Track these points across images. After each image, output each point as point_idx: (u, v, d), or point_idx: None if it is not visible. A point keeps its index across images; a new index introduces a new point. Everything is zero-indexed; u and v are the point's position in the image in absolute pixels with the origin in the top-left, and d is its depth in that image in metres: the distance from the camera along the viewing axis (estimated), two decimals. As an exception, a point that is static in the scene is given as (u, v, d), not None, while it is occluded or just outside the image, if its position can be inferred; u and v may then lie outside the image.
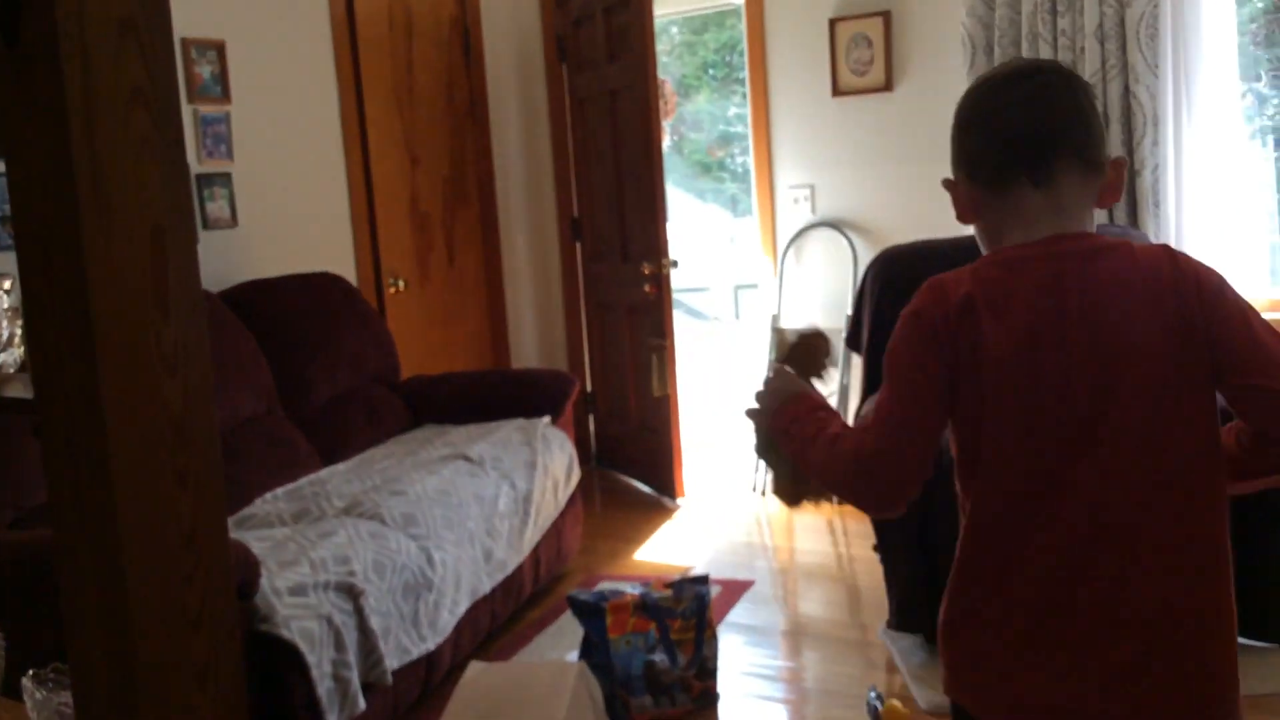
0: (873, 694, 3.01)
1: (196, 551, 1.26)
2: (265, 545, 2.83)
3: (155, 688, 1.18)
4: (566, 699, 2.47)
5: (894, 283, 3.84)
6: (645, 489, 5.26)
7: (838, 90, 4.82)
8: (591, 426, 5.70)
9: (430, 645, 3.02)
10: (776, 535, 4.63)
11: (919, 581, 3.23)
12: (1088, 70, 4.02)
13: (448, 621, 3.12)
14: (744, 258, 8.68)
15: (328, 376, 3.93)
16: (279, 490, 3.40)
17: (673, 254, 4.90)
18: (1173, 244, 3.35)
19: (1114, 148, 4.00)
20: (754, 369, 5.36)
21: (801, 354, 1.73)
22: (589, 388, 5.68)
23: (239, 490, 3.28)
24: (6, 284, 1.80)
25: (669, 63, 9.85)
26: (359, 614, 2.75)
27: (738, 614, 3.77)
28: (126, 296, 1.11)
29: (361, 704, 2.69)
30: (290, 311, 3.93)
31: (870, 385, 3.76)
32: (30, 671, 1.41)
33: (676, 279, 5.03)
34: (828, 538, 4.53)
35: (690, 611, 3.08)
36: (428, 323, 5.02)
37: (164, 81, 1.18)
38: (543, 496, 3.80)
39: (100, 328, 1.09)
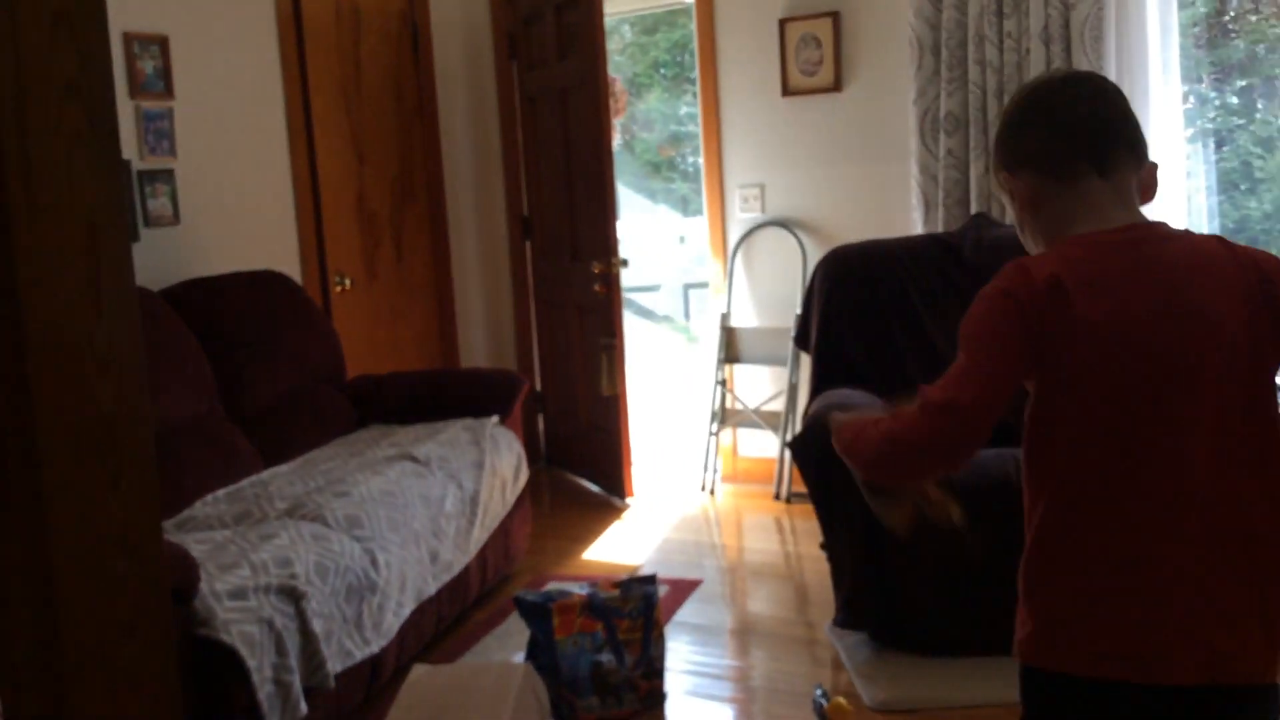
0: (818, 692, 3.02)
1: (129, 555, 1.24)
2: (205, 548, 2.78)
3: (86, 695, 1.16)
4: (511, 701, 2.46)
5: (842, 282, 3.87)
6: (594, 488, 5.25)
7: (788, 90, 4.84)
8: (541, 426, 5.68)
9: (374, 648, 2.99)
10: (725, 534, 4.65)
11: (865, 579, 3.25)
12: (1032, 72, 4.07)
13: (392, 624, 3.09)
14: (694, 257, 8.70)
15: (271, 376, 3.88)
16: (220, 492, 3.35)
17: (623, 253, 4.90)
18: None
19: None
20: (704, 368, 5.37)
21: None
22: (538, 387, 5.66)
23: (178, 492, 3.23)
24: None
25: (621, 61, 9.85)
26: (301, 617, 2.71)
27: (686, 613, 3.77)
28: (58, 295, 1.08)
29: (304, 708, 2.66)
30: (233, 310, 3.87)
31: (818, 383, 3.78)
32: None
33: (626, 278, 5.03)
34: (776, 536, 4.55)
35: (638, 611, 3.08)
36: (374, 322, 4.98)
37: (99, 75, 1.15)
38: (490, 497, 3.78)
39: (31, 327, 1.06)
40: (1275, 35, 4.43)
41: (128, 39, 3.82)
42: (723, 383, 5.13)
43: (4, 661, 1.06)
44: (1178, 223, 4.13)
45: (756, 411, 5.08)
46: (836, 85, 4.74)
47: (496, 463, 3.86)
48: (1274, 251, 1.60)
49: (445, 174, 5.41)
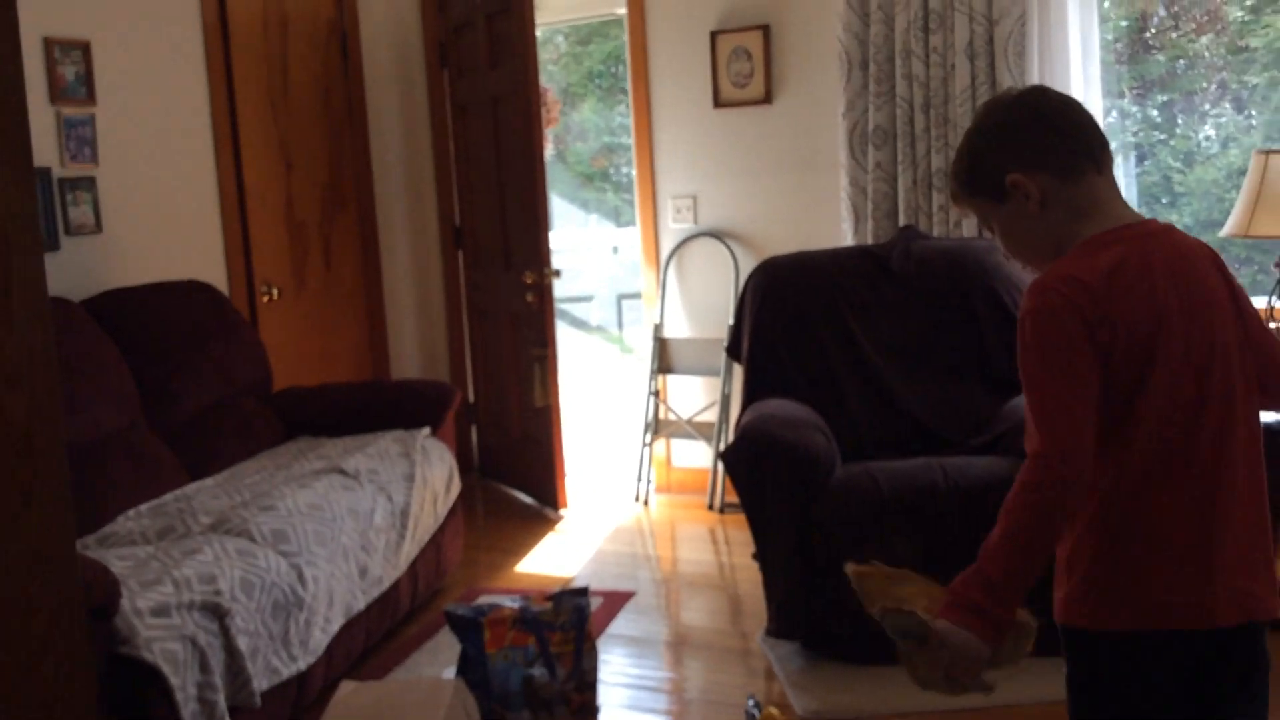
0: (751, 702, 3.02)
1: (42, 573, 1.20)
2: (127, 564, 2.72)
3: (-5, 720, 1.12)
4: (441, 717, 2.43)
5: (774, 293, 3.89)
6: (528, 500, 5.22)
7: (719, 102, 4.86)
8: (474, 437, 5.64)
9: (301, 665, 2.94)
10: (659, 545, 4.64)
11: (796, 589, 3.26)
12: (958, 86, 4.13)
13: (320, 640, 3.04)
14: (627, 267, 8.71)
15: (195, 388, 3.81)
16: (142, 506, 3.28)
17: (556, 263, 4.88)
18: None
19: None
20: (637, 379, 5.37)
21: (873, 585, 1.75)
22: (471, 398, 5.62)
23: (99, 507, 3.15)
24: None
25: (555, 72, 9.84)
26: (225, 634, 2.66)
27: (620, 625, 3.76)
28: (-35, 306, 1.05)
29: (229, 727, 2.61)
30: (156, 321, 3.80)
31: (751, 394, 3.79)
32: None
33: (559, 288, 5.02)
34: (710, 547, 4.56)
35: (570, 624, 3.06)
36: (303, 332, 4.91)
37: (10, 82, 1.12)
38: (421, 509, 3.74)
39: (-64, 339, 1.02)
40: (1195, 51, 4.54)
41: (48, 44, 3.74)
42: (656, 393, 5.13)
43: (-93, 687, 1.02)
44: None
45: (690, 422, 5.09)
46: (767, 98, 4.77)
47: (428, 475, 3.82)
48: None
49: (376, 182, 5.35)
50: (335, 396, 4.25)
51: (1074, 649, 1.69)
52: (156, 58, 4.20)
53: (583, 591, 3.14)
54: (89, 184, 3.89)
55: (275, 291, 4.73)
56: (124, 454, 3.39)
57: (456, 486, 4.09)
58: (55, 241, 3.77)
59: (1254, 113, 4.48)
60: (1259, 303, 3.67)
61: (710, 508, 4.96)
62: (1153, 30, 4.65)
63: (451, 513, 4.05)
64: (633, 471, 5.21)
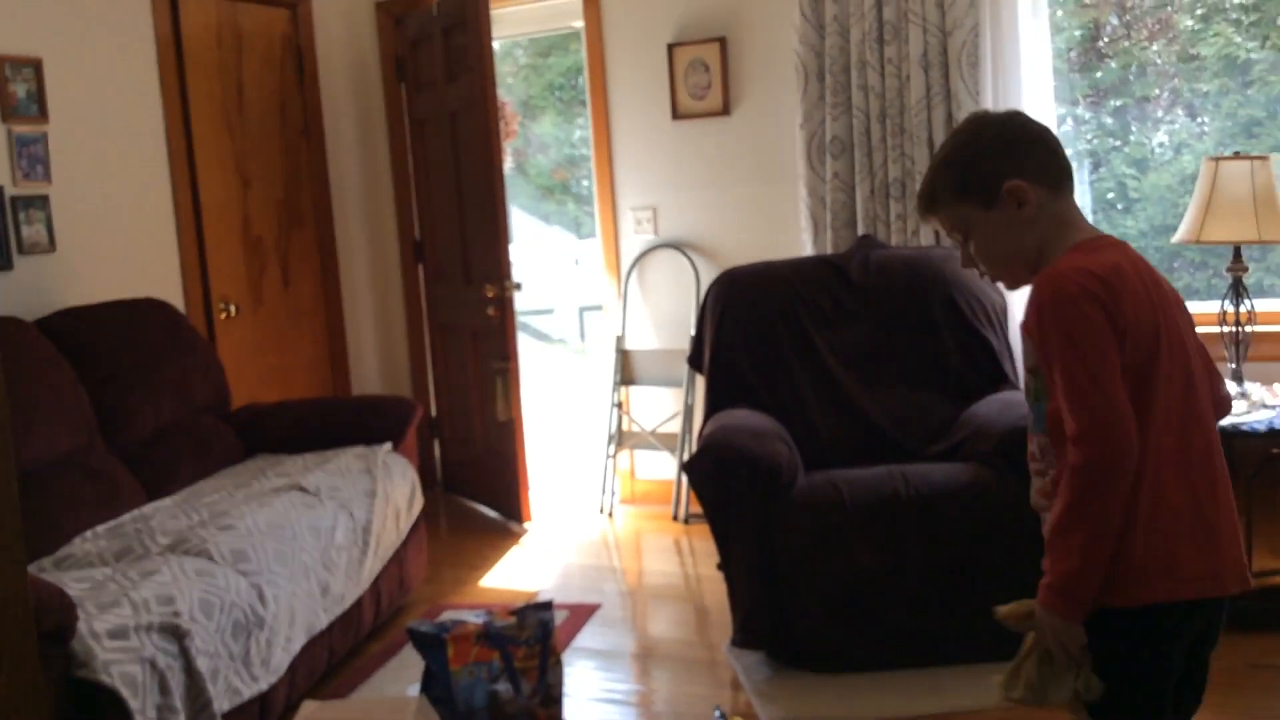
0: (717, 713, 3.02)
1: (-8, 599, 1.18)
2: (84, 586, 2.68)
3: (-58, 748, 1.09)
4: (406, 734, 2.41)
5: (735, 303, 3.90)
6: (491, 514, 5.20)
7: (677, 114, 4.87)
8: (437, 451, 5.62)
9: (263, 685, 2.91)
10: (625, 557, 4.63)
11: (761, 598, 3.26)
12: (913, 97, 4.16)
13: (281, 660, 3.01)
14: (588, 280, 8.71)
15: (151, 407, 3.76)
16: (99, 528, 3.23)
17: (516, 276, 4.87)
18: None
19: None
20: (600, 391, 5.37)
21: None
22: (433, 412, 5.59)
23: (55, 529, 3.11)
24: None
25: (514, 84, 9.84)
26: (185, 655, 2.63)
27: (585, 638, 3.74)
28: (-91, 327, 1.03)
29: (190, 749, 2.57)
30: (111, 340, 3.75)
31: (713, 404, 3.80)
32: None
33: (521, 301, 5.00)
34: (675, 558, 4.55)
35: (534, 638, 3.04)
36: (262, 350, 4.87)
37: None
38: (383, 526, 3.71)
39: (-121, 361, 1.01)
40: (1146, 59, 4.61)
41: (-2, 61, 3.70)
42: (619, 405, 5.13)
43: None
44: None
45: (653, 433, 5.09)
46: (725, 109, 4.79)
47: (389, 490, 3.80)
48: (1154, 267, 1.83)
49: (334, 197, 5.32)
50: (295, 413, 4.21)
51: (1096, 629, 1.73)
52: (109, 75, 4.16)
53: (547, 605, 3.12)
54: (42, 202, 3.85)
55: (233, 309, 4.69)
56: (80, 475, 3.34)
57: (419, 502, 4.06)
58: (8, 260, 3.72)
59: (1206, 119, 4.54)
60: (1212, 307, 3.72)
61: (675, 518, 4.96)
62: (1105, 39, 4.71)
63: (414, 528, 4.02)
64: (597, 483, 5.20)
